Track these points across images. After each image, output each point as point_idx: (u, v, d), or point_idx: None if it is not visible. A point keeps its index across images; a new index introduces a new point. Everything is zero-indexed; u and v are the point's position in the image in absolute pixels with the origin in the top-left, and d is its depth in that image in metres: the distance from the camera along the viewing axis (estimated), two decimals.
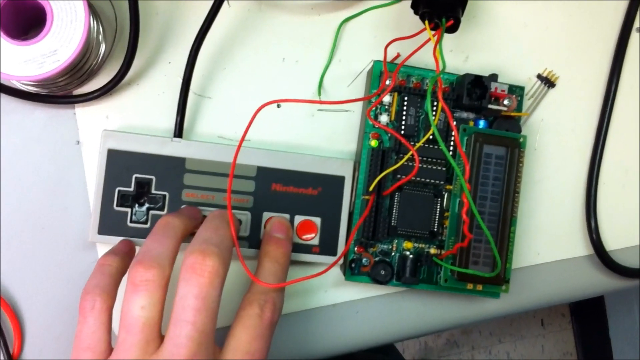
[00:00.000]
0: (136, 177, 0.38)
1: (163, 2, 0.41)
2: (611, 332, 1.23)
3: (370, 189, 0.39)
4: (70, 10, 0.35)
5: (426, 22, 0.36)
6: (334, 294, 0.42)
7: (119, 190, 0.38)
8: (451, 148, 0.40)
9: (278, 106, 0.41)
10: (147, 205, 0.39)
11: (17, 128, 0.40)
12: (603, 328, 1.25)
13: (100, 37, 0.40)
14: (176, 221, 0.35)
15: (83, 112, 0.40)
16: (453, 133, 0.39)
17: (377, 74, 0.40)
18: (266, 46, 0.42)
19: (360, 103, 0.42)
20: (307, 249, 0.40)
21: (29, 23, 0.38)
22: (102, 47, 0.40)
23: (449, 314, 0.43)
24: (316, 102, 0.41)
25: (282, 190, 0.40)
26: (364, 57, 0.42)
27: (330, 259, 0.40)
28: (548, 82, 0.43)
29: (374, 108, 0.40)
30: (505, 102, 0.39)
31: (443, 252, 0.40)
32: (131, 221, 0.38)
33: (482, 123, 0.40)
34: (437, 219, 0.40)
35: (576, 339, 1.32)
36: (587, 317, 1.29)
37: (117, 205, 0.38)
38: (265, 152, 0.40)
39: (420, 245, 0.40)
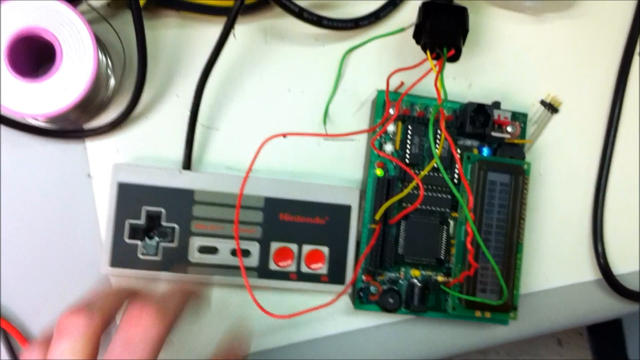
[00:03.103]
0: (146, 210, 0.39)
1: (170, 34, 0.42)
2: (629, 351, 1.22)
3: (377, 217, 0.39)
4: (79, 45, 0.36)
5: (427, 52, 0.37)
6: (343, 322, 0.42)
7: (129, 223, 0.39)
8: (456, 175, 0.40)
9: (284, 137, 0.42)
10: (157, 238, 0.39)
11: (29, 162, 0.41)
12: (620, 347, 1.23)
13: (109, 71, 0.41)
14: (81, 321, 0.29)
15: (94, 146, 0.41)
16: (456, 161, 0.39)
17: (381, 103, 0.40)
18: (272, 77, 0.42)
19: (366, 135, 0.42)
20: (316, 278, 0.40)
21: (38, 59, 0.39)
22: (112, 81, 0.41)
23: (458, 341, 0.43)
24: (321, 135, 0.42)
25: (290, 220, 0.40)
26: (368, 85, 0.42)
27: (338, 288, 0.40)
28: (551, 107, 0.43)
29: (378, 137, 0.40)
30: (509, 129, 0.40)
31: (450, 279, 0.40)
32: (142, 254, 0.39)
33: (486, 150, 0.40)
34: (443, 247, 0.40)
35: (594, 358, 1.31)
36: (605, 336, 1.28)
37: (128, 238, 0.39)
38: (272, 182, 0.40)
39: (427, 272, 0.40)
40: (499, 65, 0.44)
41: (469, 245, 0.36)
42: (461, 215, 0.39)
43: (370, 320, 0.42)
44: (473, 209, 0.38)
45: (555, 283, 0.44)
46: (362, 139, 0.43)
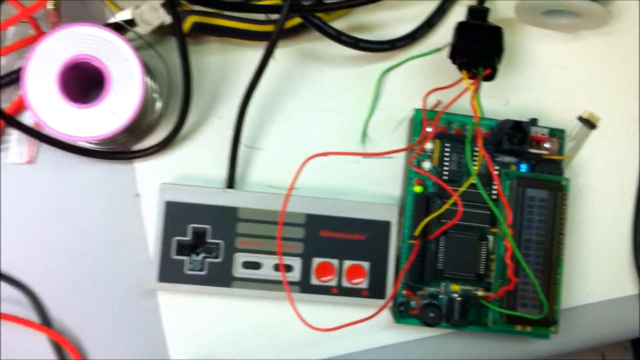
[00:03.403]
0: (193, 227, 0.41)
1: (213, 59, 0.43)
2: None
3: (416, 233, 0.40)
4: (127, 71, 0.38)
5: (464, 71, 0.37)
6: (383, 336, 0.43)
7: (177, 240, 0.40)
8: (494, 192, 0.41)
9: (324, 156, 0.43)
10: (203, 254, 0.41)
11: (79, 183, 0.43)
12: None
13: (156, 95, 0.42)
14: None
15: (141, 166, 0.43)
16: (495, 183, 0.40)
17: (418, 122, 0.41)
18: (311, 98, 0.44)
19: (404, 152, 0.43)
20: (357, 292, 0.41)
21: (87, 84, 0.41)
22: (158, 105, 0.43)
23: (499, 355, 0.43)
24: (360, 155, 0.43)
25: (331, 236, 0.41)
26: (405, 105, 0.43)
27: (379, 302, 0.41)
28: (589, 123, 0.44)
29: (416, 155, 0.41)
30: (547, 145, 0.40)
31: (490, 294, 0.40)
32: (188, 269, 0.41)
33: (523, 167, 0.41)
34: (483, 262, 0.41)
35: None
36: None
37: (175, 254, 0.40)
38: (313, 200, 0.41)
39: (467, 287, 0.41)
40: (535, 83, 0.45)
41: (508, 261, 0.36)
42: (500, 231, 0.40)
43: (410, 334, 0.43)
44: (512, 225, 0.38)
45: (597, 298, 0.44)
46: (400, 157, 0.43)
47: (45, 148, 0.42)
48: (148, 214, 0.42)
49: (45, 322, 0.42)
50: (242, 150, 0.42)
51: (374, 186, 0.43)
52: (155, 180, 0.42)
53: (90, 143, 0.42)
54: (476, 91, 0.37)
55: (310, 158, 0.38)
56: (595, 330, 0.44)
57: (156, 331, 0.42)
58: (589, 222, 0.44)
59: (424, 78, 0.44)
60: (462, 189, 0.38)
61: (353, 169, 0.44)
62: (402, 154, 0.43)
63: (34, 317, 0.42)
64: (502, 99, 0.44)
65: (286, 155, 0.43)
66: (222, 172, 0.42)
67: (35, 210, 0.42)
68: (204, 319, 0.42)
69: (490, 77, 0.37)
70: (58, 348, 0.41)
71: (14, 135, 0.43)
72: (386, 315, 0.43)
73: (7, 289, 0.42)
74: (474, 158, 0.40)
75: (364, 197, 0.43)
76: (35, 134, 0.41)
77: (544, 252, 0.39)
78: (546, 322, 0.39)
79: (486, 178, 0.41)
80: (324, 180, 0.43)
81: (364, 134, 0.43)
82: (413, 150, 0.41)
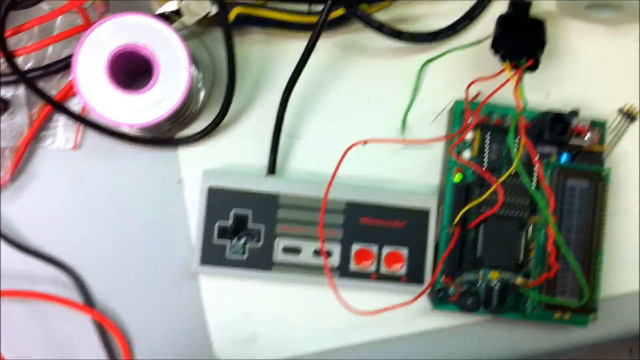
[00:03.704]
0: (234, 212, 0.42)
1: (256, 49, 0.44)
2: None
3: (455, 222, 0.40)
4: (175, 60, 0.39)
5: (506, 62, 0.38)
6: (421, 322, 0.43)
7: (218, 225, 0.41)
8: (534, 181, 0.41)
9: (364, 144, 0.44)
10: (244, 238, 0.42)
11: (123, 169, 0.44)
12: None
13: (200, 85, 0.43)
14: None
15: (185, 153, 0.44)
16: (535, 167, 0.40)
17: (459, 112, 0.42)
18: (352, 88, 0.44)
19: (444, 141, 0.44)
20: (396, 278, 0.42)
21: (135, 72, 0.42)
22: (202, 94, 0.44)
23: (537, 342, 0.44)
24: (400, 142, 0.43)
25: (370, 223, 0.42)
26: (445, 96, 0.44)
27: (417, 288, 0.41)
28: (629, 116, 0.44)
29: (456, 145, 0.41)
30: (587, 137, 0.40)
31: (530, 281, 0.40)
32: (230, 253, 0.41)
33: (564, 157, 0.41)
34: (522, 250, 0.41)
35: None
36: None
37: (217, 238, 0.41)
38: (353, 187, 0.42)
39: (506, 274, 0.41)
40: (576, 76, 0.45)
41: (550, 247, 0.37)
42: (540, 220, 0.40)
43: (448, 320, 0.43)
44: (553, 213, 0.39)
45: (635, 287, 0.44)
46: (439, 147, 0.44)
47: (91, 135, 0.44)
48: (190, 200, 0.43)
49: (89, 303, 0.43)
50: (282, 139, 0.43)
51: (412, 176, 0.44)
52: (198, 167, 0.43)
53: (136, 130, 0.43)
54: (519, 81, 0.37)
55: (351, 146, 0.39)
56: (633, 319, 0.44)
57: (197, 314, 0.43)
58: (629, 212, 0.44)
59: (464, 70, 0.44)
60: (504, 177, 0.39)
61: (392, 159, 0.44)
62: (440, 145, 0.44)
63: (78, 299, 0.43)
64: (543, 90, 0.44)
65: (326, 145, 0.44)
66: (263, 160, 0.43)
67: (80, 195, 0.44)
68: (244, 303, 0.43)
69: (532, 68, 0.38)
70: (101, 329, 0.43)
71: (60, 121, 0.44)
72: (424, 301, 0.43)
73: (51, 270, 0.43)
74: (516, 146, 0.40)
75: (403, 186, 0.44)
76: (82, 120, 0.42)
77: (584, 241, 0.39)
78: (585, 310, 0.39)
79: (526, 167, 0.41)
80: (363, 170, 0.44)
81: (404, 125, 0.44)
82: (453, 140, 0.41)
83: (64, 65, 0.43)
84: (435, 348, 0.44)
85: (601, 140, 0.42)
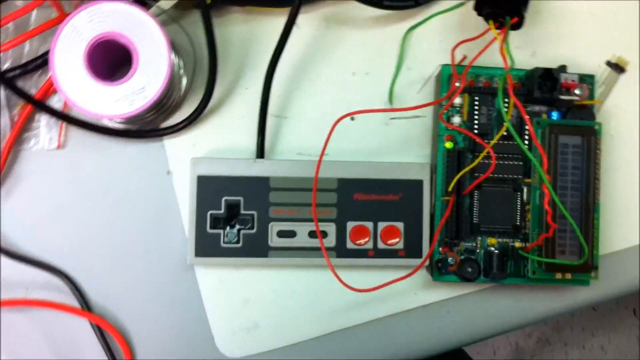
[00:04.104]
0: (225, 200, 0.41)
1: (236, 29, 0.43)
2: None
3: (450, 189, 0.40)
4: (154, 46, 0.38)
5: (490, 22, 0.37)
6: (423, 295, 0.43)
7: (210, 214, 0.41)
8: (526, 142, 0.41)
9: (352, 118, 0.43)
10: (237, 226, 0.41)
11: (111, 163, 0.43)
12: None
13: (182, 72, 0.43)
14: None
15: (171, 143, 0.43)
16: (527, 127, 0.40)
17: (446, 77, 0.41)
18: (336, 62, 0.44)
19: (432, 108, 0.43)
20: (393, 253, 0.41)
21: (115, 62, 0.41)
22: (184, 81, 0.43)
23: (540, 306, 0.43)
24: (388, 110, 0.43)
25: (364, 199, 0.41)
26: (431, 62, 0.43)
27: (416, 262, 0.41)
28: (618, 68, 0.43)
29: (446, 111, 0.41)
30: (577, 91, 0.40)
31: (528, 244, 0.40)
32: (224, 242, 0.41)
33: (555, 115, 0.40)
34: (519, 213, 0.40)
35: None
36: None
37: (210, 228, 0.41)
38: (344, 164, 0.41)
39: (504, 240, 0.41)
40: (562, 32, 0.44)
41: (546, 206, 0.36)
42: (535, 180, 0.40)
43: (449, 291, 0.43)
44: (547, 171, 0.38)
45: (635, 242, 0.44)
46: (428, 116, 0.43)
47: (74, 132, 0.43)
48: (181, 191, 0.43)
49: (86, 306, 0.42)
50: (269, 119, 0.43)
51: (403, 147, 0.43)
52: (186, 157, 0.42)
53: (119, 122, 0.42)
54: (504, 40, 0.36)
55: (338, 120, 0.38)
56: (634, 274, 0.44)
57: (197, 306, 0.42)
58: (623, 166, 0.44)
59: (449, 34, 0.43)
60: (496, 139, 0.38)
61: (382, 131, 0.43)
62: (430, 114, 0.43)
63: (74, 302, 0.42)
64: (529, 50, 0.44)
65: (314, 122, 0.43)
66: (252, 143, 0.42)
67: (68, 195, 0.43)
68: (243, 292, 0.43)
69: (517, 26, 0.37)
70: (100, 331, 0.42)
71: (42, 121, 0.43)
72: (424, 274, 0.43)
73: (45, 276, 0.42)
74: (505, 107, 0.40)
75: (395, 158, 0.43)
76: (65, 117, 0.42)
77: (580, 198, 0.39)
78: (586, 268, 0.38)
79: (517, 128, 0.40)
80: (352, 145, 0.43)
81: (391, 95, 0.43)
82: (442, 106, 0.41)
83: (42, 61, 0.42)
84: (438, 321, 0.43)
85: (591, 95, 0.41)
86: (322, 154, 0.38)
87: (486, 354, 1.26)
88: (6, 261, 0.42)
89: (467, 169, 0.39)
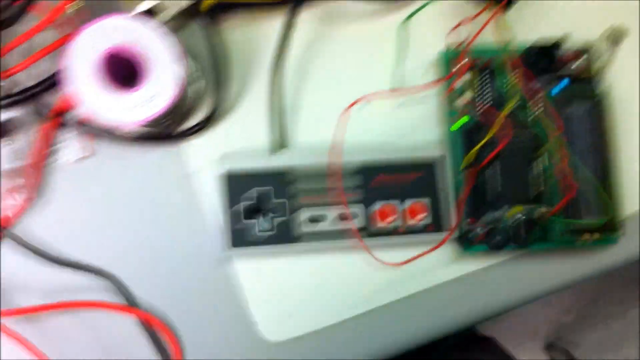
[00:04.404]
0: (257, 190, 0.42)
1: (239, 33, 0.45)
2: None
3: (469, 162, 0.41)
4: (164, 54, 0.39)
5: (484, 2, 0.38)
6: (454, 268, 0.44)
7: (243, 205, 0.42)
8: (536, 110, 0.42)
9: (367, 102, 0.44)
10: (270, 214, 0.42)
11: (136, 171, 0.44)
12: None
13: (197, 74, 0.44)
14: None
15: (190, 146, 0.44)
16: (537, 96, 0.40)
17: (447, 60, 0.42)
18: (338, 57, 0.45)
19: (438, 92, 0.44)
20: (422, 229, 0.43)
21: (127, 75, 0.41)
22: (199, 84, 0.44)
23: (568, 270, 0.44)
24: (398, 92, 0.44)
25: (387, 180, 0.43)
26: (431, 50, 0.44)
27: (445, 235, 0.42)
28: (617, 36, 0.44)
29: (453, 90, 0.42)
30: (577, 63, 0.41)
31: (553, 209, 0.41)
32: (259, 231, 0.42)
33: (561, 84, 0.41)
34: (540, 180, 0.41)
35: None
36: None
37: (244, 219, 0.42)
38: (363, 149, 0.43)
39: (529, 206, 0.42)
40: (557, 7, 0.45)
41: (565, 167, 0.37)
42: (551, 147, 0.41)
43: (480, 262, 0.44)
44: (562, 135, 0.39)
45: None
46: (434, 100, 0.44)
47: (96, 144, 0.44)
48: (207, 188, 0.44)
49: (132, 304, 0.44)
50: (284, 116, 0.44)
51: (415, 130, 0.44)
52: (206, 157, 0.44)
53: (136, 129, 0.44)
54: (501, 15, 0.37)
55: (351, 105, 0.39)
56: None
57: (238, 297, 0.44)
58: (635, 129, 0.45)
59: (447, 20, 0.44)
60: (509, 106, 0.39)
61: (394, 115, 0.45)
62: (436, 97, 0.44)
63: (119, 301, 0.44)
64: (525, 27, 0.44)
65: (324, 114, 0.44)
66: (266, 140, 0.44)
67: (101, 201, 0.44)
68: (280, 279, 0.44)
69: (510, 3, 0.38)
70: (148, 328, 0.43)
71: (66, 135, 0.44)
72: (453, 247, 0.44)
73: (88, 279, 0.43)
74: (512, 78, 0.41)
75: (409, 142, 0.44)
76: (91, 128, 0.43)
77: (597, 160, 0.40)
78: (612, 227, 0.39)
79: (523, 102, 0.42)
80: (367, 132, 0.44)
81: (395, 84, 0.45)
82: (449, 84, 0.42)
83: (52, 83, 0.43)
84: (470, 292, 0.44)
85: (591, 65, 0.42)
86: (342, 136, 0.40)
87: (527, 329, 1.26)
88: (49, 268, 0.43)
89: (486, 138, 0.40)
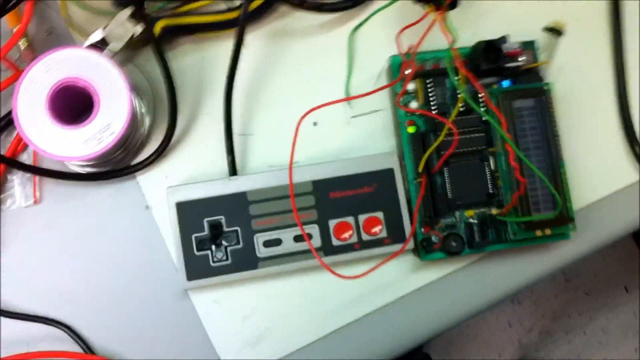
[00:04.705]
0: (207, 221, 0.42)
1: (189, 59, 0.45)
2: None
3: (420, 170, 0.41)
4: (113, 86, 0.39)
5: (428, 5, 0.39)
6: (414, 279, 0.44)
7: (195, 237, 0.41)
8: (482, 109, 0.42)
9: (314, 124, 0.44)
10: (224, 243, 0.42)
11: (90, 208, 0.44)
12: None
13: (144, 110, 0.44)
14: None
15: (144, 179, 0.44)
16: (481, 96, 0.41)
17: (396, 66, 0.43)
18: (289, 73, 0.45)
19: (390, 103, 0.45)
20: (379, 242, 0.42)
21: (78, 108, 0.42)
22: (147, 120, 0.44)
23: (527, 269, 0.45)
24: (346, 100, 0.44)
25: (341, 196, 0.42)
26: (380, 58, 0.45)
27: (402, 246, 0.42)
28: (556, 31, 0.45)
29: (402, 97, 0.42)
30: (521, 58, 0.42)
31: (504, 209, 0.41)
32: (213, 261, 0.41)
33: (505, 83, 0.42)
34: (490, 182, 0.42)
35: None
36: None
37: (197, 251, 0.41)
38: (315, 166, 0.43)
39: (481, 210, 0.42)
40: (497, 6, 0.46)
41: (512, 162, 0.37)
42: (499, 147, 0.41)
43: (439, 270, 0.44)
44: (507, 132, 0.39)
45: (605, 192, 0.45)
46: (387, 109, 0.45)
47: (48, 186, 0.44)
48: (162, 222, 0.43)
49: (90, 351, 0.42)
50: (236, 139, 0.44)
51: (369, 142, 0.45)
52: (161, 189, 0.43)
53: (91, 166, 0.43)
54: (443, 19, 0.38)
55: (305, 115, 0.39)
56: (613, 223, 0.46)
57: (198, 331, 0.43)
58: (580, 124, 0.46)
59: (393, 27, 0.44)
60: (454, 112, 0.39)
61: (346, 131, 0.45)
62: (388, 107, 0.45)
63: (77, 350, 0.42)
64: (468, 30, 0.45)
65: (278, 134, 0.44)
66: (222, 164, 0.43)
67: (54, 247, 0.43)
68: (241, 308, 0.43)
69: (453, 5, 0.39)
70: None
71: (16, 180, 0.44)
72: (413, 258, 0.44)
73: (44, 329, 0.42)
74: (457, 80, 0.42)
75: (362, 154, 0.44)
76: (37, 169, 0.42)
77: (544, 155, 0.40)
78: (563, 220, 0.40)
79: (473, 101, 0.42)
80: (320, 149, 0.44)
81: (348, 95, 0.45)
82: (398, 91, 0.42)
83: (6, 122, 0.43)
84: (433, 301, 0.44)
85: (535, 59, 0.43)
86: (292, 156, 0.40)
87: (491, 355, 1.27)
88: (3, 321, 0.42)
89: (432, 147, 0.41)
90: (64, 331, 0.42)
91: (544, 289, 1.29)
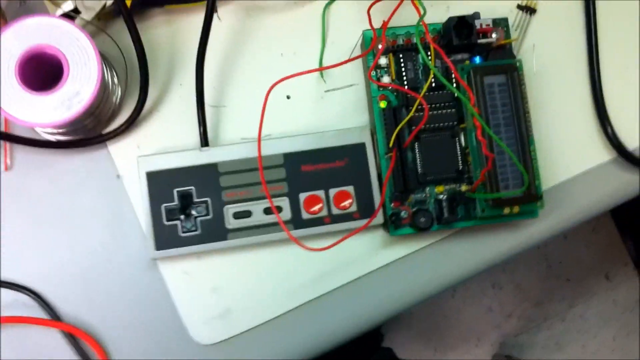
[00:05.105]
0: (177, 191, 0.41)
1: (161, 31, 0.44)
2: None
3: (391, 144, 0.41)
4: (82, 53, 0.39)
5: None
6: (384, 254, 0.44)
7: (164, 207, 0.41)
8: (453, 84, 0.42)
9: (288, 97, 0.44)
10: (193, 214, 0.42)
11: (61, 176, 0.43)
12: None
13: (115, 80, 0.43)
14: None
15: (116, 148, 0.44)
16: (452, 71, 0.41)
17: (369, 41, 0.42)
18: (263, 47, 0.45)
19: (363, 78, 0.45)
20: (348, 217, 0.42)
21: (49, 76, 0.41)
22: (118, 90, 0.44)
23: (495, 246, 0.45)
24: (318, 70, 0.44)
25: (312, 169, 0.42)
26: (353, 32, 0.45)
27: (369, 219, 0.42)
28: (529, 9, 0.45)
29: (374, 72, 0.42)
30: (493, 35, 0.42)
31: (473, 185, 0.41)
32: (182, 232, 0.41)
33: (477, 59, 0.42)
34: (460, 158, 0.42)
35: None
36: None
37: (166, 221, 0.41)
38: (287, 139, 0.43)
39: (450, 186, 0.42)
40: None
41: (480, 137, 0.37)
42: (469, 123, 0.41)
43: (408, 247, 0.44)
44: (474, 106, 0.39)
45: (575, 171, 0.46)
46: (361, 84, 0.45)
47: (19, 153, 0.43)
48: (133, 191, 0.43)
49: (56, 317, 0.42)
50: (209, 111, 0.44)
51: (342, 117, 0.45)
52: (133, 159, 0.43)
53: (62, 133, 0.43)
54: None
55: (275, 84, 0.39)
56: (583, 202, 0.46)
57: (166, 301, 0.43)
58: (551, 101, 0.46)
59: (367, 3, 0.44)
60: (425, 87, 0.40)
61: (319, 106, 0.45)
62: (362, 82, 0.45)
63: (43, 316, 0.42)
64: (443, 5, 0.45)
65: (251, 107, 0.44)
66: (194, 135, 0.43)
67: (25, 213, 0.43)
68: (209, 279, 0.43)
69: None
70: (73, 340, 0.42)
71: None
72: (382, 234, 0.44)
73: (11, 295, 0.42)
74: (429, 56, 0.42)
75: (335, 129, 0.44)
76: (7, 136, 0.42)
77: (514, 132, 0.40)
78: (530, 197, 0.40)
79: (444, 74, 0.42)
80: (293, 122, 0.44)
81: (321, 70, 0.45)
82: (370, 65, 0.42)
83: None
84: (402, 277, 0.44)
85: (507, 36, 0.43)
86: (260, 127, 0.39)
87: (471, 340, 1.28)
88: None
89: (403, 122, 0.41)
90: (31, 297, 0.42)
91: (526, 274, 1.30)
